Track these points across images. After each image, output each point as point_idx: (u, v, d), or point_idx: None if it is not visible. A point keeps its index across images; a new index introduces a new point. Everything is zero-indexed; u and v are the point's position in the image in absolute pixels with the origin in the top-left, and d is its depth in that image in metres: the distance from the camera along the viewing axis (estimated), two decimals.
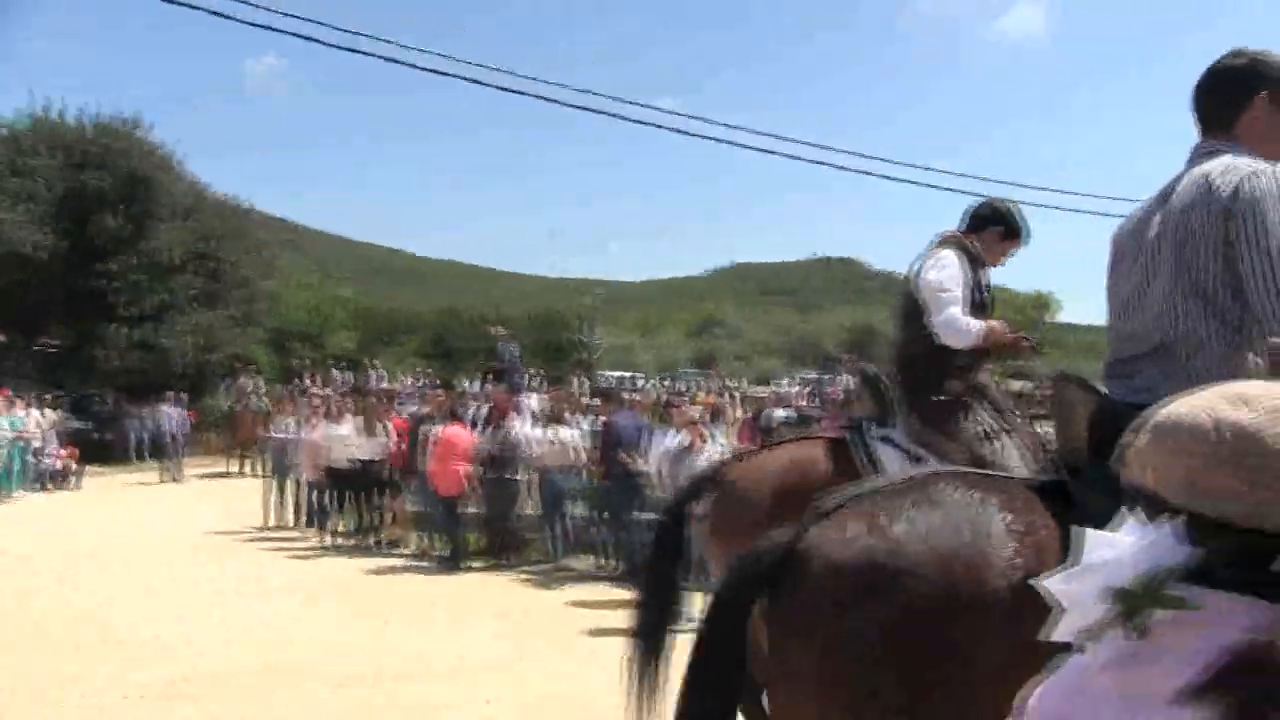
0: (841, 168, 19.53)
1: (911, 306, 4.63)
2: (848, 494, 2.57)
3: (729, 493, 4.63)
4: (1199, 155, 2.71)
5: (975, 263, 4.67)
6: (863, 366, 5.40)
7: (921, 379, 4.55)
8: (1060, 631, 1.15)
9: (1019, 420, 4.69)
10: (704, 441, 9.22)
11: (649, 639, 4.82)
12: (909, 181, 22.00)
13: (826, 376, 14.69)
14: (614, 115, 16.31)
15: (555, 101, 15.39)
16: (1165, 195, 2.69)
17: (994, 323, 4.59)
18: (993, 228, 4.82)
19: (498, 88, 14.88)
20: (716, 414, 11.44)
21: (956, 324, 4.46)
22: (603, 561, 11.51)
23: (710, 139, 17.08)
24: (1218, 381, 1.21)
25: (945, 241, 4.72)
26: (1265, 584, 1.07)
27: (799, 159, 17.88)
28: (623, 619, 9.08)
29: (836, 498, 2.56)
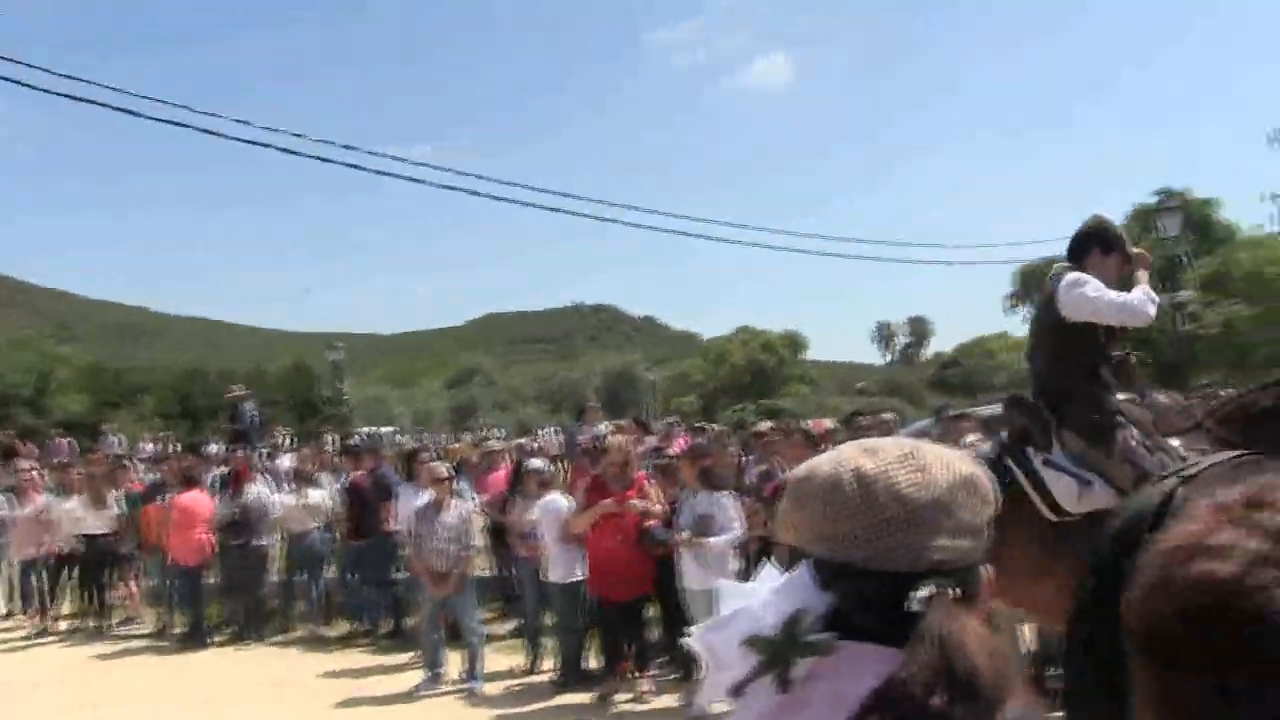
0: (586, 215, 19.93)
1: (1056, 338, 4.84)
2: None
3: None
4: None
5: None
6: (1015, 393, 5.54)
7: (1078, 401, 4.77)
8: (710, 691, 1.16)
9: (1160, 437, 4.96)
10: (452, 497, 9.05)
11: None
12: (656, 229, 22.68)
13: (578, 425, 14.74)
14: (352, 166, 16.08)
15: (293, 153, 15.02)
16: None
17: (1139, 275, 4.91)
18: (1093, 248, 4.98)
19: (234, 138, 14.40)
20: (463, 466, 11.26)
21: (1133, 306, 4.72)
22: (358, 626, 11.11)
23: (452, 188, 17.05)
24: None
25: (1066, 270, 4.93)
26: (895, 626, 1.11)
27: (537, 206, 18.07)
28: (381, 686, 8.86)
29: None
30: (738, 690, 1.13)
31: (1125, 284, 5.01)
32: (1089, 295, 4.73)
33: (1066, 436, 4.75)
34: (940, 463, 1.20)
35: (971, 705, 1.04)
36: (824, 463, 1.23)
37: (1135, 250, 5.20)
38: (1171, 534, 0.82)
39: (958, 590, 1.14)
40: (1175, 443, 4.72)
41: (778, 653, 1.11)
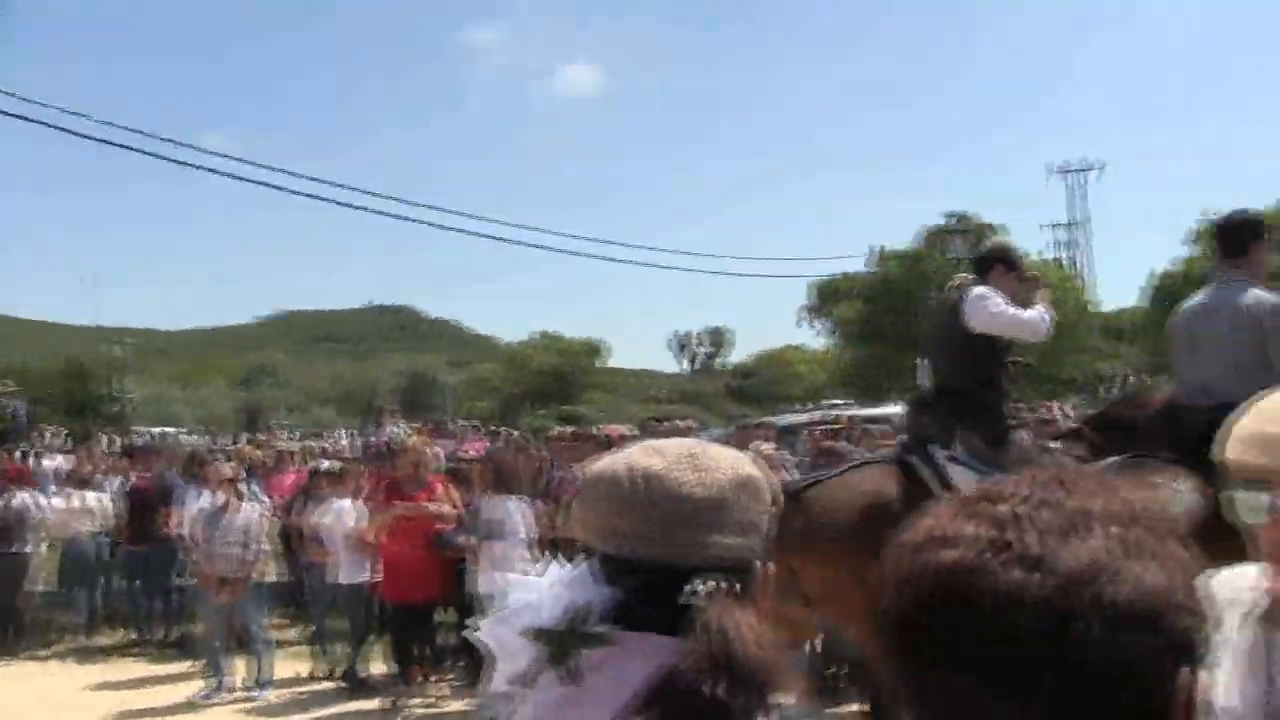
0: (392, 215, 19.65)
1: (961, 345, 5.09)
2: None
3: (815, 513, 4.82)
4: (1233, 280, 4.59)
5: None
6: (917, 395, 5.68)
7: (981, 406, 5.05)
8: (497, 682, 1.20)
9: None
10: (240, 500, 8.77)
11: None
12: (462, 231, 22.55)
13: (373, 427, 14.54)
14: (150, 154, 15.38)
15: (73, 133, 14.26)
16: (1230, 303, 4.52)
17: (1038, 294, 5.28)
18: (997, 265, 5.27)
19: (21, 118, 13.56)
20: (252, 468, 10.94)
21: (1032, 323, 5.05)
22: (136, 635, 10.63)
23: (249, 180, 16.56)
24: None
25: (972, 284, 5.17)
26: (677, 619, 1.15)
27: (335, 202, 17.79)
28: (159, 697, 8.46)
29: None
30: (524, 681, 1.17)
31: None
32: (992, 311, 5.06)
33: (967, 436, 5.07)
34: (722, 463, 1.25)
35: (743, 693, 1.09)
36: (612, 462, 1.28)
37: (1029, 275, 5.65)
38: (910, 529, 0.84)
39: (735, 585, 1.19)
40: (1055, 445, 5.25)
41: (561, 644, 1.15)
